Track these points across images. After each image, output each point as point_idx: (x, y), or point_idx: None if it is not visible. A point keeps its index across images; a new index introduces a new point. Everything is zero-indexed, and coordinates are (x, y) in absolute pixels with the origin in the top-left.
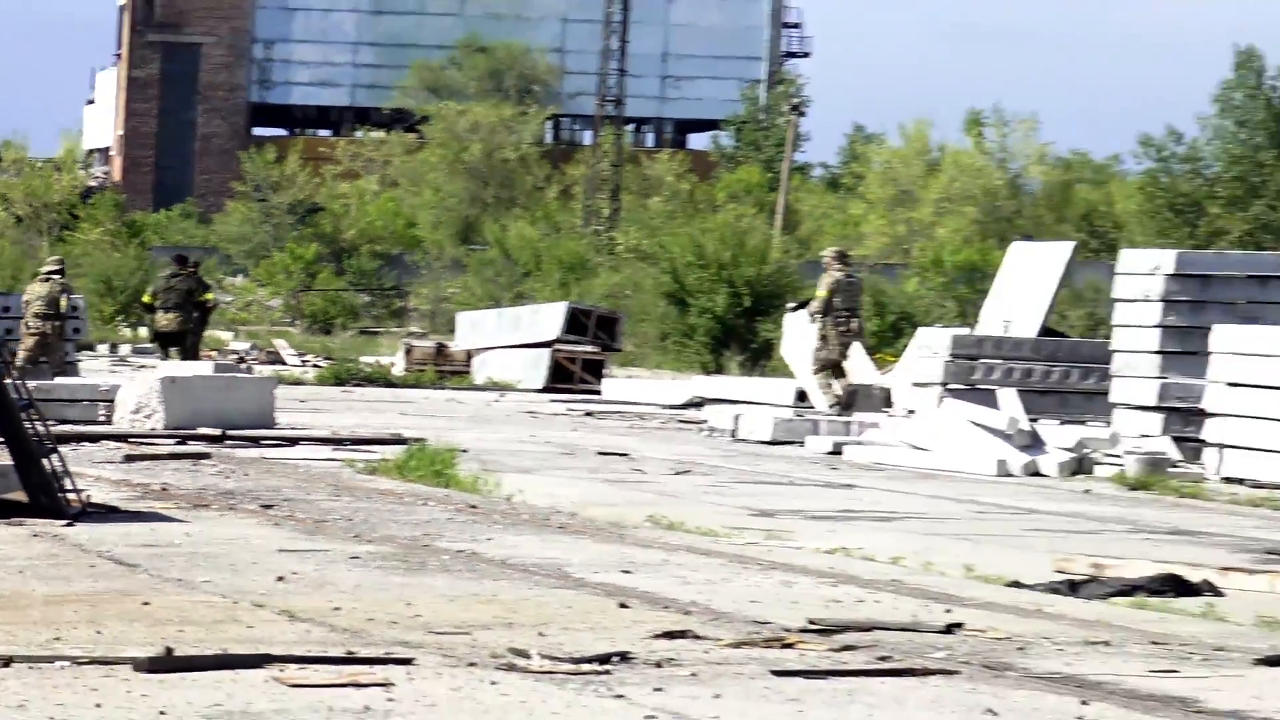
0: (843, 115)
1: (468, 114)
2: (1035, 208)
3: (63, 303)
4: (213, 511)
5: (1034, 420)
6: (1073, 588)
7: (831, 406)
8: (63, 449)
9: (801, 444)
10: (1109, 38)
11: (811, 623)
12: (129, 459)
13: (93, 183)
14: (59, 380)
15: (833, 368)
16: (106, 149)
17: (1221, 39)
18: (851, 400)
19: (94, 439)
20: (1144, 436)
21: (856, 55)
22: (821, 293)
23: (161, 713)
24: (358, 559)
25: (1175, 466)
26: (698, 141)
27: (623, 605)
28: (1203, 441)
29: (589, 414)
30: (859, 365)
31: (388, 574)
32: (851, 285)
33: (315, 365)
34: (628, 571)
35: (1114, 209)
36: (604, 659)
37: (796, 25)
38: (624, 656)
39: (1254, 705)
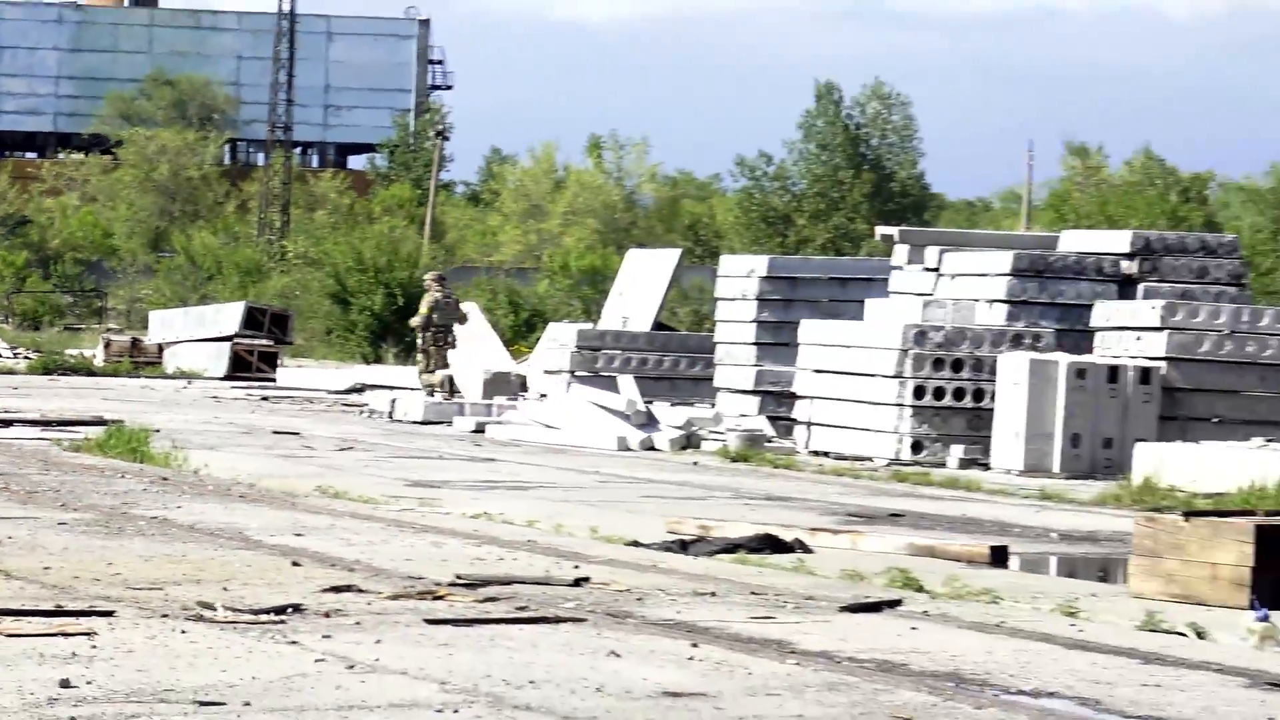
0: (481, 139)
1: (156, 139)
2: (648, 219)
3: None
4: None
5: (649, 402)
6: (683, 546)
7: (440, 394)
8: None
9: (449, 424)
10: (711, 70)
11: (459, 578)
12: None
13: None
14: None
15: (444, 374)
16: None
17: (805, 73)
18: (453, 387)
19: None
20: (743, 416)
21: (493, 87)
22: (424, 310)
23: None
24: (65, 525)
25: (770, 442)
26: (356, 162)
27: (295, 564)
28: (793, 420)
29: (265, 399)
30: (491, 357)
31: (91, 538)
32: (448, 304)
33: (26, 357)
34: (300, 535)
35: (715, 220)
36: (280, 610)
37: (440, 62)
38: (297, 608)
39: (840, 646)
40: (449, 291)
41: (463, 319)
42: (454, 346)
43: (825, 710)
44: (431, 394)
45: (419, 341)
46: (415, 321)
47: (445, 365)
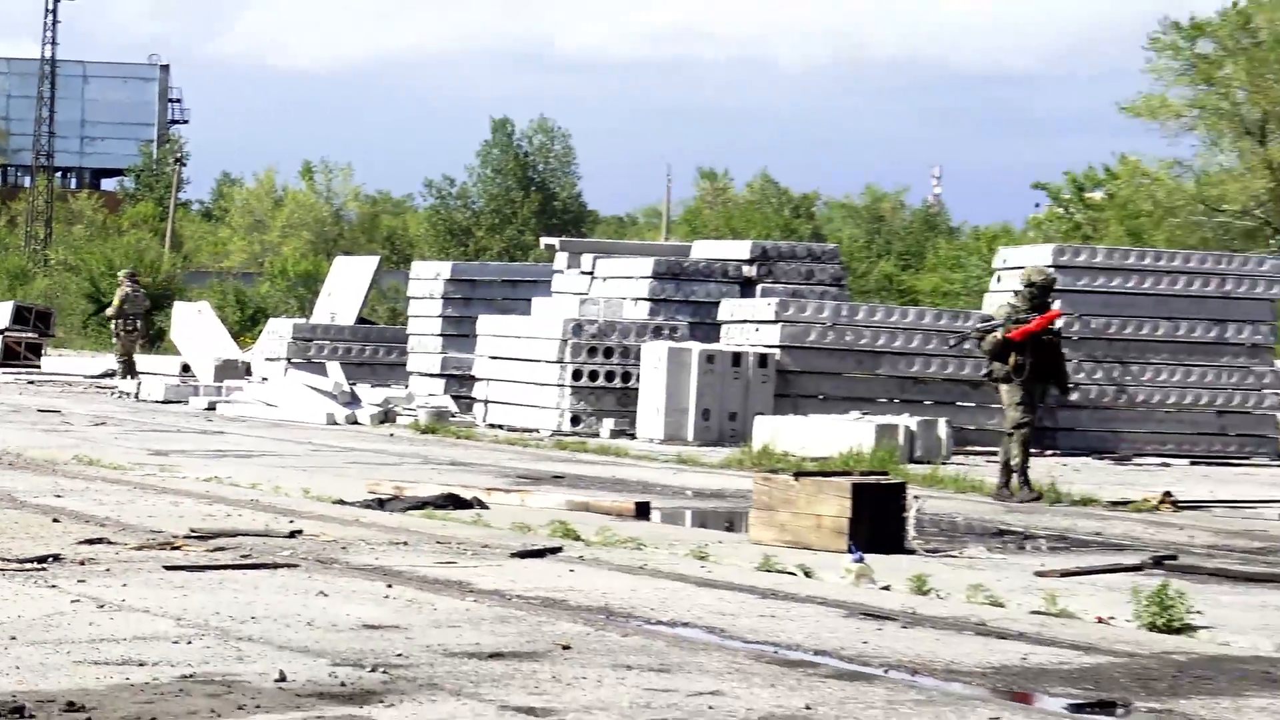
0: (213, 165)
1: None
2: (352, 231)
3: None
4: None
5: (353, 384)
6: (381, 504)
7: (125, 377)
8: None
9: (186, 403)
10: (405, 106)
11: (193, 531)
12: None
13: None
14: None
15: (127, 359)
16: None
17: (483, 110)
18: (130, 369)
19: None
20: (431, 395)
21: (223, 121)
22: (116, 302)
23: None
24: None
25: (454, 417)
26: (108, 184)
27: (55, 520)
28: (473, 398)
29: (31, 383)
30: (221, 347)
31: None
32: (136, 297)
33: None
34: (59, 496)
35: (409, 232)
36: (41, 560)
37: (178, 100)
38: (56, 557)
39: (510, 586)
40: (138, 287)
41: (147, 310)
42: (143, 334)
43: (498, 639)
44: (126, 371)
45: (113, 328)
46: (110, 312)
47: (133, 349)
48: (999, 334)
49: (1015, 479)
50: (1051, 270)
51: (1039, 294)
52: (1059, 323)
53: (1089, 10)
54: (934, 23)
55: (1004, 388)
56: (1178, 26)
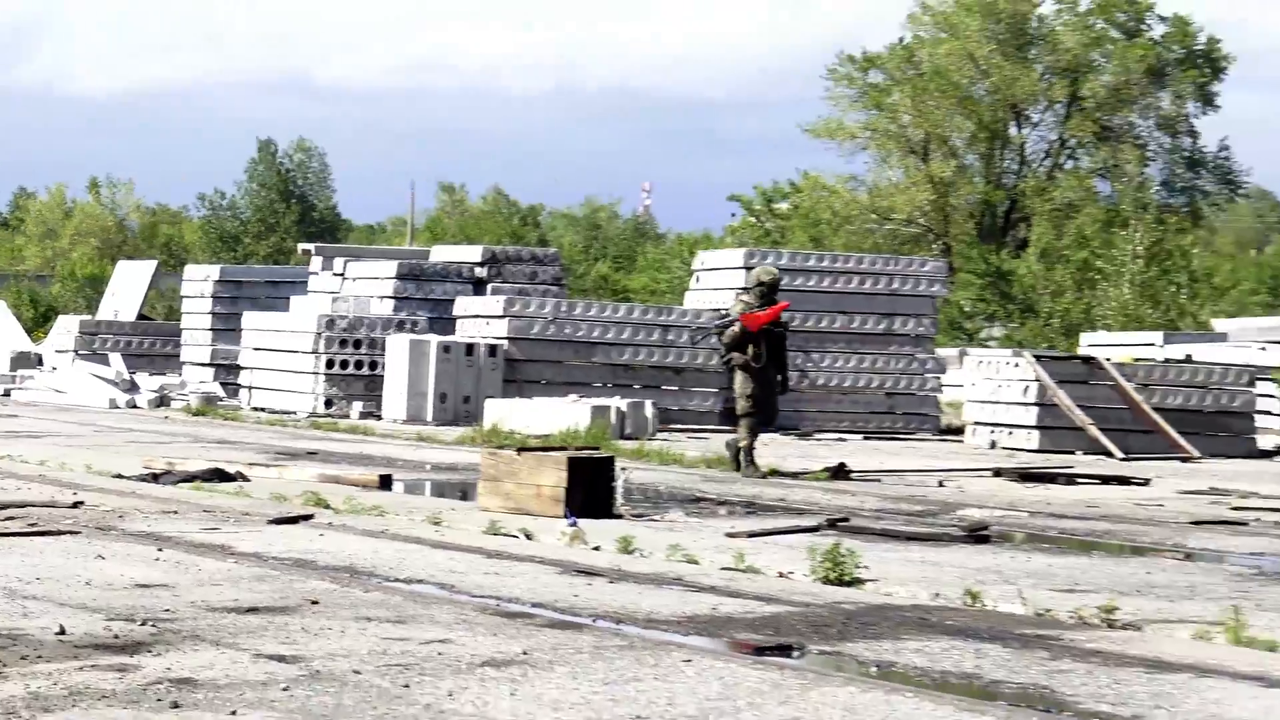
0: (10, 180)
1: None
2: (135, 239)
3: None
4: None
5: (133, 373)
6: (155, 478)
7: None
8: None
9: None
10: (181, 127)
11: None
12: None
13: None
14: None
15: None
16: None
17: (250, 130)
18: None
19: None
20: (202, 382)
21: (17, 142)
22: None
23: None
24: None
25: (222, 401)
26: None
27: None
28: (239, 385)
29: None
30: (15, 340)
31: None
32: None
33: None
34: None
35: (185, 239)
36: None
37: None
38: None
39: (267, 548)
40: None
41: None
42: None
43: (254, 595)
44: None
45: None
46: None
47: None
48: (737, 327)
49: (742, 457)
50: (778, 271)
51: (768, 291)
52: (784, 316)
53: (777, 44)
54: (643, 55)
55: (739, 376)
56: (852, 59)
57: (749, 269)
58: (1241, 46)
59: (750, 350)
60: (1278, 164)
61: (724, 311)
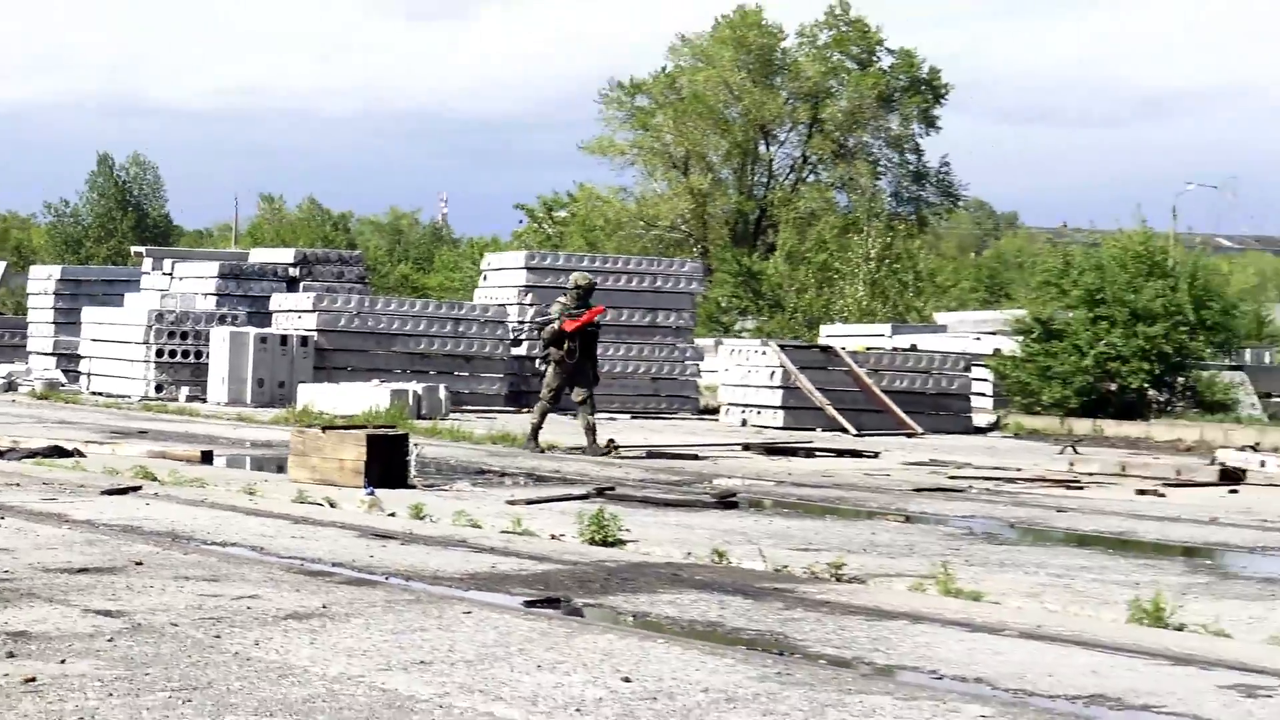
0: None
1: None
2: None
3: None
4: None
5: None
6: (0, 454)
7: None
8: None
9: None
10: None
11: None
12: None
13: None
14: None
15: None
16: None
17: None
18: None
19: None
20: (46, 370)
21: None
22: None
23: None
24: None
25: (64, 387)
26: None
27: None
28: (79, 372)
29: None
30: None
31: None
32: None
33: None
34: None
35: (33, 243)
36: None
37: None
38: None
39: (98, 516)
40: None
41: None
42: None
43: (86, 558)
44: None
45: None
46: None
47: None
48: (555, 325)
49: (530, 431)
50: (593, 275)
51: (584, 295)
52: (599, 318)
53: (560, 72)
54: (441, 81)
55: (551, 369)
56: (621, 86)
57: (530, 269)
58: (959, 76)
59: (565, 346)
60: (993, 178)
61: (547, 312)
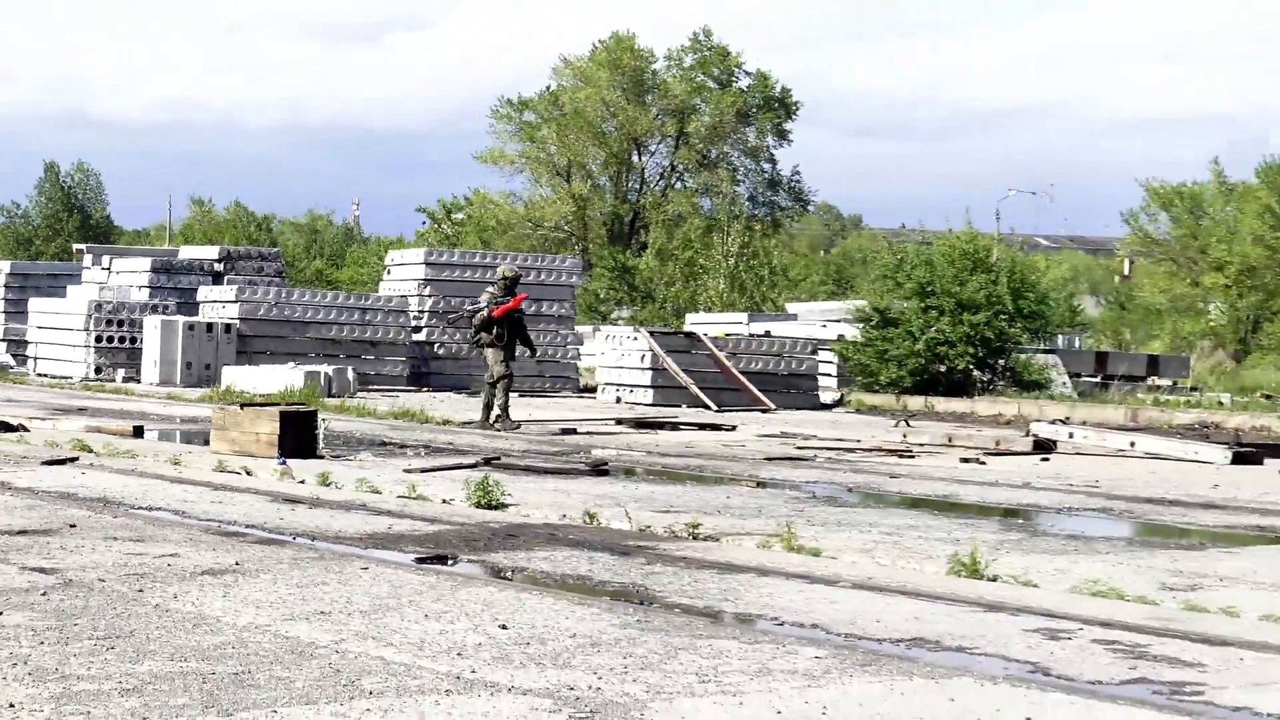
0: None
1: None
2: None
3: None
4: None
5: None
6: None
7: None
8: None
9: None
10: None
11: None
12: None
13: None
14: None
15: None
16: None
17: (39, 155)
18: None
19: None
20: None
21: None
22: None
23: None
24: None
25: (12, 369)
26: None
27: None
28: (27, 356)
29: None
30: None
31: None
32: None
33: None
34: None
35: None
36: None
37: None
38: None
39: (38, 484)
40: None
41: None
42: None
43: (25, 521)
44: None
45: None
46: None
47: None
48: (485, 312)
49: (496, 414)
50: (518, 268)
51: (510, 285)
52: (524, 305)
53: (457, 89)
54: (354, 97)
55: (489, 351)
56: (511, 103)
57: (428, 264)
58: (809, 95)
59: (495, 331)
60: (839, 184)
61: (478, 301)
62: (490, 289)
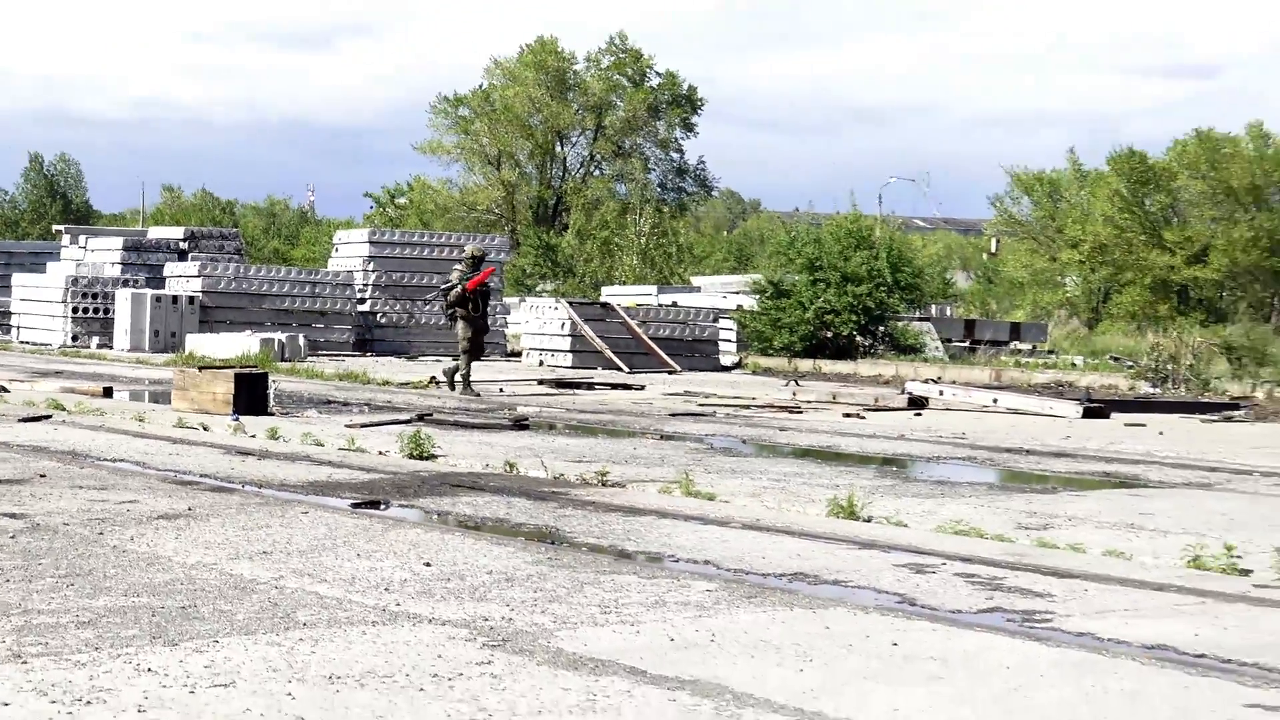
0: None
1: None
2: None
3: None
4: None
5: None
6: None
7: None
8: None
9: None
10: None
11: None
12: None
13: None
14: None
15: None
16: None
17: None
18: None
19: None
20: None
21: None
22: None
23: None
24: None
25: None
26: None
27: None
28: (11, 325)
29: None
30: None
31: None
32: None
33: None
34: None
35: None
36: None
37: None
38: None
39: (14, 438)
40: None
41: None
42: None
43: (12, 470)
44: None
45: None
46: None
47: None
48: (459, 289)
49: (458, 381)
50: (483, 246)
51: (476, 262)
52: (492, 280)
53: (402, 86)
54: (308, 95)
55: (460, 324)
56: (447, 99)
57: (372, 243)
58: (714, 93)
59: (469, 305)
60: (741, 172)
61: (449, 278)
62: (458, 266)
